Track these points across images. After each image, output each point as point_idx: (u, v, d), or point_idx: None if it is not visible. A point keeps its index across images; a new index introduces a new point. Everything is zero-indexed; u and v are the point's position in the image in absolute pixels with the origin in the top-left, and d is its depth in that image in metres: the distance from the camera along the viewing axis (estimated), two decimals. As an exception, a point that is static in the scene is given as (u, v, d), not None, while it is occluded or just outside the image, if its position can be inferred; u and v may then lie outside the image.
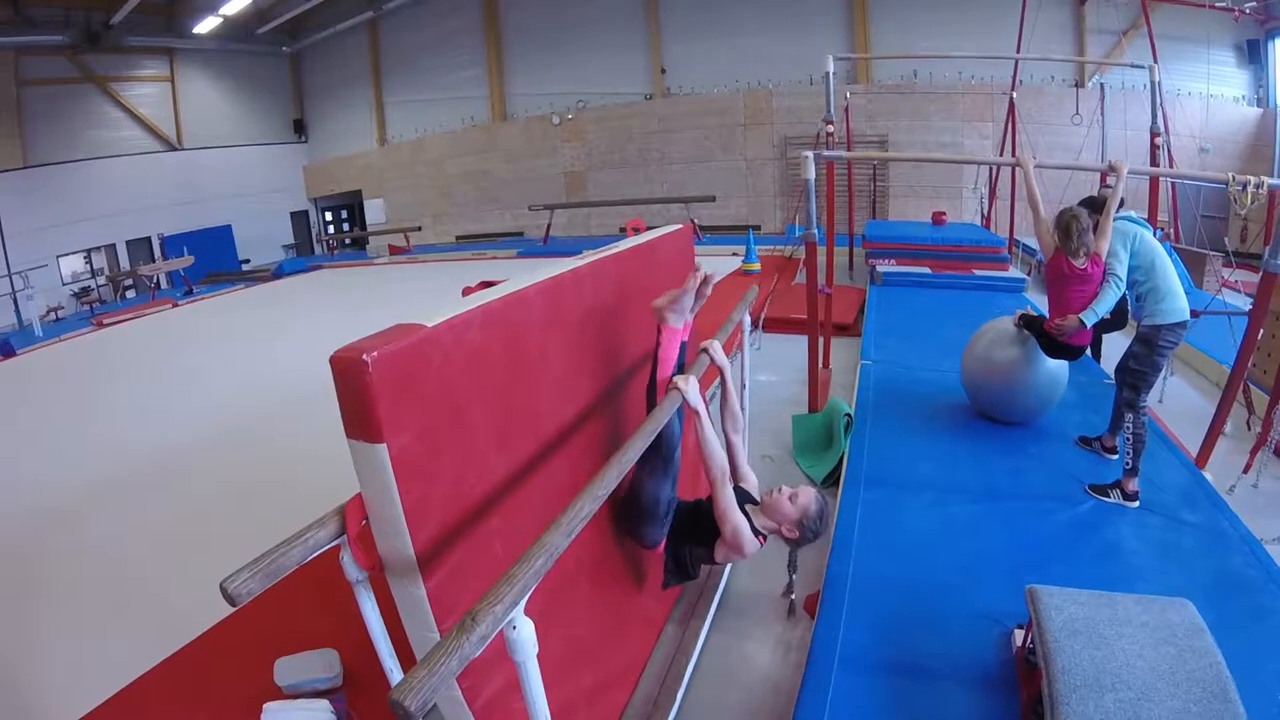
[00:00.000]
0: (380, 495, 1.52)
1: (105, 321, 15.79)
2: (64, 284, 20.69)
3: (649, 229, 3.93)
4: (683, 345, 2.63)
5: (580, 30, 20.36)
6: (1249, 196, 3.83)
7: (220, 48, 23.76)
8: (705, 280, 2.58)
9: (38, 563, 4.70)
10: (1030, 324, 4.62)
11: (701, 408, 2.36)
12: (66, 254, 20.84)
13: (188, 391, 8.66)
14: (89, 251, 21.46)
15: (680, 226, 3.72)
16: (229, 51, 24.18)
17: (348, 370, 1.44)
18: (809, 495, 2.64)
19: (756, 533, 2.59)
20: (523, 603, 1.29)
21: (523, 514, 1.96)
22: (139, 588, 4.22)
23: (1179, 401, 5.87)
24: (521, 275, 2.24)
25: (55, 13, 19.67)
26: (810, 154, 4.88)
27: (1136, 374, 3.98)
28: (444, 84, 22.94)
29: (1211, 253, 9.96)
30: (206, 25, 22.11)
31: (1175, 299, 4.00)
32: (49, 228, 20.01)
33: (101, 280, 21.32)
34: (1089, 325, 4.05)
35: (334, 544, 1.55)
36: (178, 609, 3.76)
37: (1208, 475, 4.23)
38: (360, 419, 1.47)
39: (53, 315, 19.21)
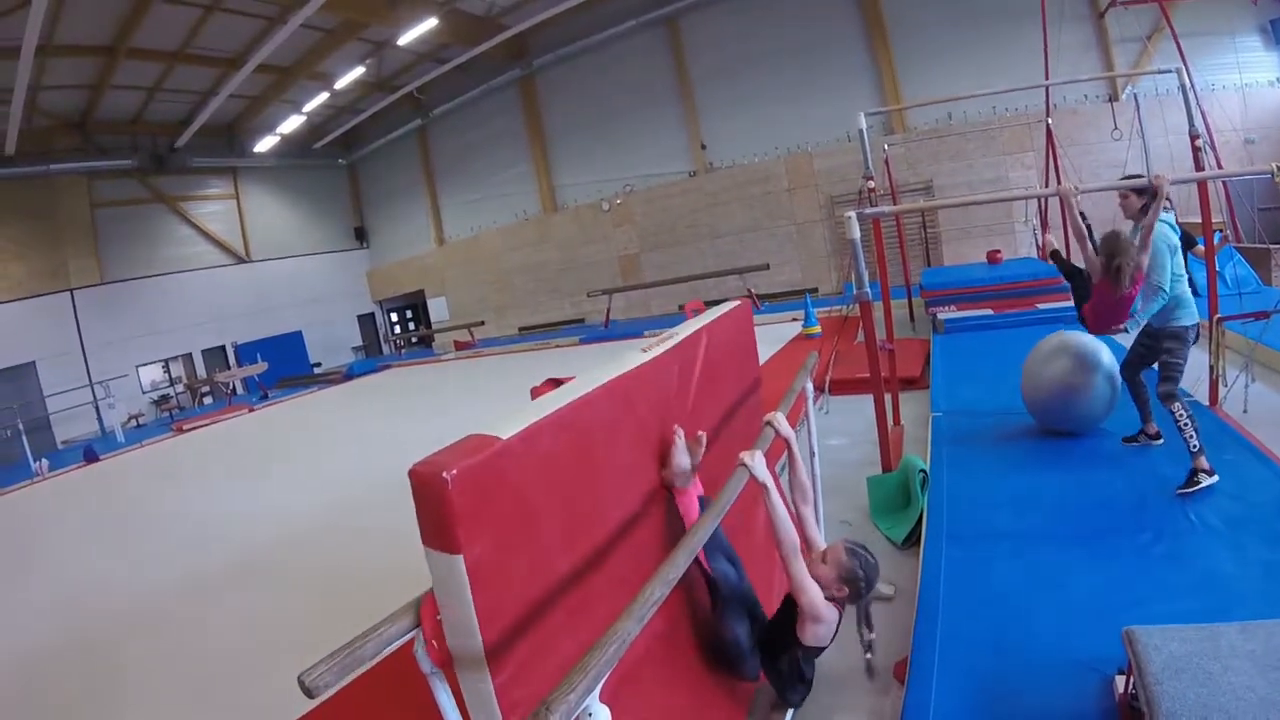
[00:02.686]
0: (454, 600, 1.55)
1: (184, 427, 16.55)
2: (144, 392, 21.86)
3: (707, 305, 4.01)
4: (703, 500, 2.66)
5: (619, 117, 21.05)
6: None
7: (280, 164, 25.33)
8: (696, 440, 2.65)
9: (122, 658, 4.86)
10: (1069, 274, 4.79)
11: (769, 481, 2.38)
12: (145, 364, 22.05)
13: (266, 492, 8.93)
14: (167, 361, 22.64)
15: (738, 303, 3.79)
16: (289, 167, 25.76)
17: (426, 484, 1.49)
18: (837, 549, 2.60)
19: (829, 601, 2.55)
20: (597, 690, 1.30)
21: (587, 609, 1.98)
22: (219, 684, 4.31)
23: (1263, 406, 5.51)
24: (587, 371, 2.31)
25: (123, 139, 21.33)
26: (852, 214, 4.92)
27: (1175, 367, 4.28)
28: (494, 181, 23.83)
29: (1275, 246, 9.62)
30: (265, 144, 23.60)
31: (1192, 300, 4.38)
32: (128, 339, 21.24)
33: (179, 388, 22.46)
34: (1132, 331, 4.40)
35: (408, 638, 1.59)
36: (258, 703, 3.84)
37: (1303, 482, 4.04)
38: (438, 530, 1.52)
39: (134, 422, 20.38)
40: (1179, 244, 4.42)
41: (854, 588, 2.56)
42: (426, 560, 1.56)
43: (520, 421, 1.79)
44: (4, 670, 5.10)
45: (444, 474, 1.48)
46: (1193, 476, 4.05)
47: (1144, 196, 4.37)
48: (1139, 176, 4.52)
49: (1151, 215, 4.07)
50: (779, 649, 2.63)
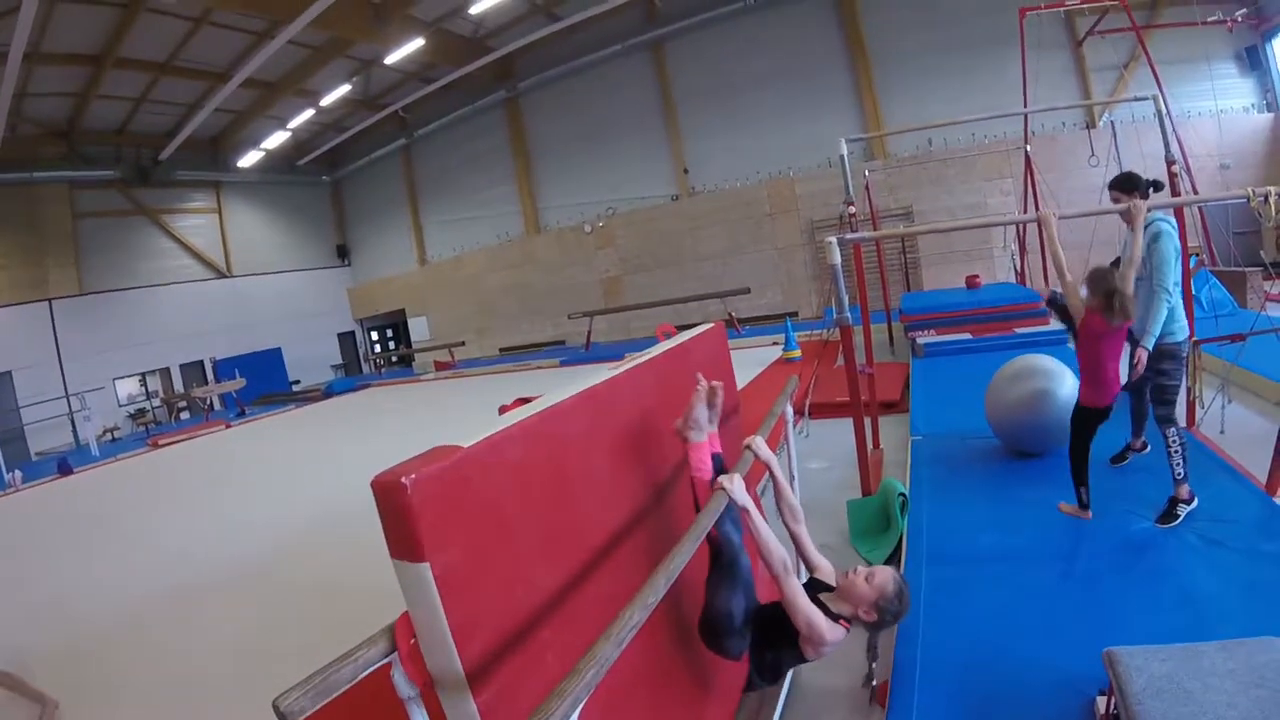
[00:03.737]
0: (426, 613, 1.55)
1: (160, 442, 16.40)
2: (120, 405, 21.64)
3: (685, 328, 4.01)
4: (717, 457, 2.62)
5: (603, 139, 21.21)
6: (1272, 208, 3.84)
7: (263, 179, 25.34)
8: (712, 390, 2.61)
9: (90, 677, 4.76)
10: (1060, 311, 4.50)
11: (750, 503, 2.36)
12: (122, 377, 21.85)
13: (242, 509, 8.83)
14: (144, 375, 22.45)
15: (711, 326, 3.79)
16: (272, 183, 25.78)
17: (388, 493, 1.50)
18: (886, 574, 2.53)
19: (837, 619, 2.50)
20: (574, 716, 1.29)
21: (574, 625, 1.96)
22: (190, 708, 4.22)
23: (1240, 428, 5.60)
24: (557, 389, 2.32)
25: (107, 149, 21.28)
26: (833, 240, 4.95)
27: (1172, 390, 4.24)
28: (478, 202, 23.93)
29: (1250, 269, 9.79)
30: (249, 159, 23.61)
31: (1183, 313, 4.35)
32: (105, 352, 21.04)
33: (156, 402, 22.23)
34: (1150, 349, 4.19)
35: (385, 661, 1.56)
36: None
37: (1280, 501, 4.09)
38: (402, 539, 1.52)
39: (109, 436, 20.17)
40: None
41: (883, 618, 2.52)
42: (396, 575, 1.55)
43: (484, 432, 1.80)
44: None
45: (403, 479, 1.48)
46: (1173, 508, 4.05)
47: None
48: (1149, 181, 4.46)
49: (1135, 248, 4.03)
50: (772, 643, 2.58)
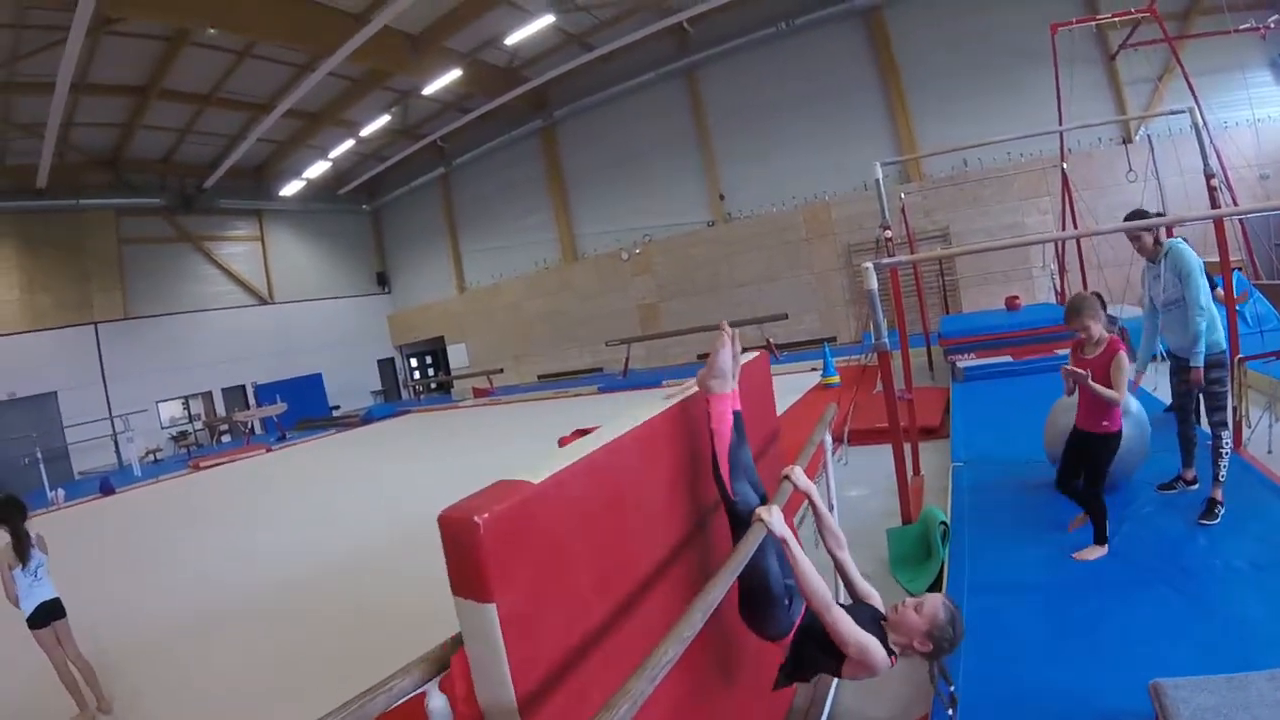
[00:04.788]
0: (488, 652, 1.51)
1: (201, 464, 16.68)
2: (163, 428, 22.13)
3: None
4: (737, 414, 2.54)
5: (638, 166, 21.40)
6: None
7: (305, 208, 25.95)
8: (734, 337, 2.56)
9: (120, 698, 4.79)
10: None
11: (789, 535, 2.34)
12: (165, 400, 22.37)
13: (281, 533, 8.93)
14: (187, 398, 22.98)
15: (756, 355, 3.77)
16: (313, 211, 26.37)
17: (457, 530, 1.46)
18: (935, 603, 2.47)
19: (891, 651, 2.43)
20: None
21: (620, 655, 1.93)
22: None
23: None
24: (611, 421, 2.29)
25: (152, 178, 21.99)
26: (869, 264, 4.92)
27: (1222, 396, 4.34)
28: (515, 230, 24.23)
29: None
30: (291, 188, 24.25)
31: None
32: (149, 374, 21.55)
33: (198, 425, 22.72)
34: (1201, 365, 4.27)
35: (419, 691, 1.55)
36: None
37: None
38: (469, 579, 1.48)
39: (151, 457, 20.54)
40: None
41: (939, 646, 2.45)
42: (456, 610, 1.53)
43: (551, 467, 1.77)
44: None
45: (475, 518, 1.44)
46: (1213, 508, 4.18)
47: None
48: (1156, 214, 4.54)
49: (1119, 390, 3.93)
50: (815, 643, 2.48)
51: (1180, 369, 4.58)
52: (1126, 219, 4.58)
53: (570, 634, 1.78)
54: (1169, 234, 4.83)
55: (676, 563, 2.45)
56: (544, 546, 1.68)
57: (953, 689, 2.77)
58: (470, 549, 1.46)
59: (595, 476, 1.94)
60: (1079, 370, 3.90)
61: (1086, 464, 4.11)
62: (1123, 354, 3.90)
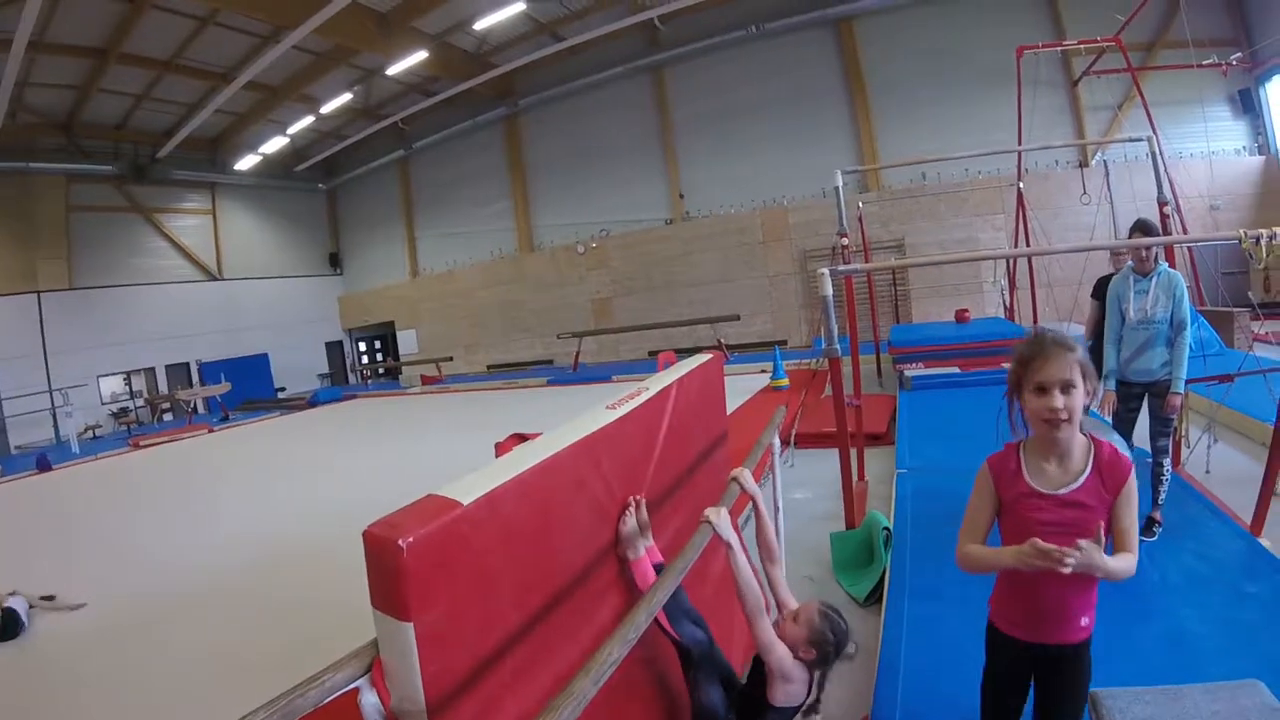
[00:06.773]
0: (403, 667, 1.51)
1: (141, 443, 16.19)
2: (103, 404, 21.41)
3: (678, 354, 3.97)
4: (659, 567, 2.54)
5: (600, 161, 21.33)
6: (1264, 249, 3.86)
7: (260, 184, 25.34)
8: (637, 506, 2.56)
9: (56, 686, 4.65)
10: None
11: (734, 540, 2.35)
12: (107, 374, 21.63)
13: (220, 516, 8.69)
14: (129, 374, 22.24)
15: (710, 357, 3.75)
16: (268, 187, 25.77)
17: (381, 550, 1.44)
18: (810, 609, 2.51)
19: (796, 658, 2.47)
20: None
21: (537, 664, 1.92)
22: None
23: (1226, 468, 5.62)
24: (555, 428, 2.25)
25: (105, 144, 21.24)
26: (826, 271, 4.96)
27: (1173, 421, 4.38)
28: (473, 217, 24.00)
29: (1238, 309, 9.90)
30: (247, 162, 23.65)
31: None
32: (91, 348, 20.86)
33: (140, 402, 22.02)
34: (1181, 391, 4.24)
35: (351, 687, 1.52)
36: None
37: (1265, 542, 4.10)
38: (389, 597, 1.46)
39: (90, 433, 19.92)
40: None
41: (822, 651, 2.48)
42: (374, 621, 1.51)
43: (483, 485, 1.73)
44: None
45: (400, 541, 1.41)
46: (1152, 525, 4.29)
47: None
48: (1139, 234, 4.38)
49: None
50: (753, 714, 2.54)
51: (1155, 393, 4.37)
52: (1132, 228, 4.41)
53: (485, 646, 1.75)
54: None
55: (599, 575, 2.40)
56: (468, 566, 1.65)
57: (819, 697, 2.75)
58: (392, 570, 1.43)
59: (527, 494, 1.89)
60: (1085, 542, 1.91)
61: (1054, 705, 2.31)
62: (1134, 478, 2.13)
